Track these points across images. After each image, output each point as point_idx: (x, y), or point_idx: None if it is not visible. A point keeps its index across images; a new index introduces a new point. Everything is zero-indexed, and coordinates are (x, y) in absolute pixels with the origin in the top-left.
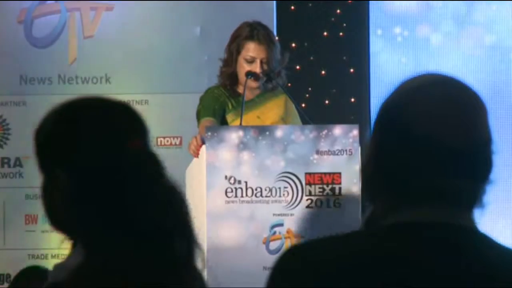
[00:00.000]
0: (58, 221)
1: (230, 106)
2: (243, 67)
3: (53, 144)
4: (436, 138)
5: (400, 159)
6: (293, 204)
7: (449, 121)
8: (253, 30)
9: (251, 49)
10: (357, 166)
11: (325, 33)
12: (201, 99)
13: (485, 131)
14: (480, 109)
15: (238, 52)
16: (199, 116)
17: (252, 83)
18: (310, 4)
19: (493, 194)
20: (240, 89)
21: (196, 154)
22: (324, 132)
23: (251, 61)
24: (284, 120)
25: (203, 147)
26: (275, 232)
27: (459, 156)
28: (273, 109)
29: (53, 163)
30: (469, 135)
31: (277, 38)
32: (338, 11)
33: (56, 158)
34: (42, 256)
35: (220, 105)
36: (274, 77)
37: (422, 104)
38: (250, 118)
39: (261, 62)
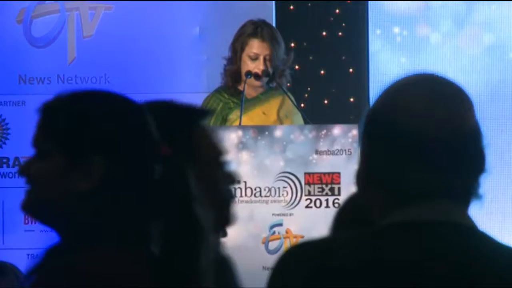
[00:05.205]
0: (61, 209)
1: (232, 105)
2: (247, 65)
3: (101, 130)
4: (424, 134)
5: (391, 158)
6: (292, 204)
7: (435, 117)
8: (257, 28)
9: (255, 46)
10: (356, 166)
11: (324, 33)
12: None
13: (473, 125)
14: (466, 103)
15: (242, 50)
16: None
17: (254, 82)
18: (309, 4)
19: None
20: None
21: None
22: (323, 132)
23: (254, 58)
24: (287, 117)
25: None
26: (274, 232)
27: (448, 151)
28: (277, 106)
29: (92, 149)
30: (457, 129)
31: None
32: (337, 11)
33: (97, 144)
34: None
35: (215, 119)
36: (276, 76)
37: (408, 102)
38: (256, 114)
39: (264, 59)
